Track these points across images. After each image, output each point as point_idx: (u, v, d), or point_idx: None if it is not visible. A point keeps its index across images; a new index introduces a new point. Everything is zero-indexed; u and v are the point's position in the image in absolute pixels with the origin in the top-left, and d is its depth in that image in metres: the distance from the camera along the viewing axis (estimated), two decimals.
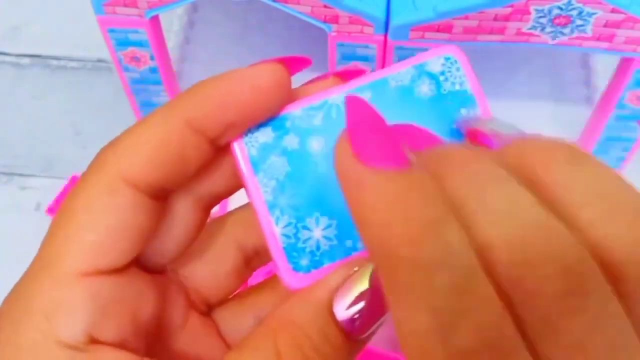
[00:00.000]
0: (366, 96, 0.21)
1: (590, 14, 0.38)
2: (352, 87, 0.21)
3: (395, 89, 0.21)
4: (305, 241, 0.20)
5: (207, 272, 0.23)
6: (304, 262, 0.20)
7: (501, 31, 0.40)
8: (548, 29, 0.39)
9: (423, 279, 0.15)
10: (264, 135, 0.20)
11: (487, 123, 0.19)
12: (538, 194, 0.16)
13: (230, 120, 0.20)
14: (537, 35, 0.40)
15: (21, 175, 0.55)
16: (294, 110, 0.21)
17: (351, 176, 0.16)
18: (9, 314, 0.19)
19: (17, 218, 0.52)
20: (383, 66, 0.44)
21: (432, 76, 0.21)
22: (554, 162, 0.16)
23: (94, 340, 0.18)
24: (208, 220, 0.23)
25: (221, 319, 0.23)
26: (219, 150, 0.21)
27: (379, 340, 0.33)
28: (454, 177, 0.16)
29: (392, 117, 0.20)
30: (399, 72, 0.21)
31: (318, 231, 0.20)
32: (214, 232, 0.23)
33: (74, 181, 0.50)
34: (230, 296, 0.24)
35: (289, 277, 0.20)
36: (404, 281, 0.15)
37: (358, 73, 0.22)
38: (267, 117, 0.21)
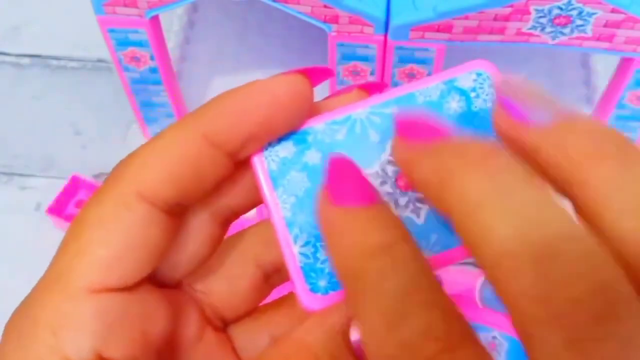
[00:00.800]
0: (391, 111, 0.20)
1: (590, 14, 0.38)
2: (377, 101, 0.21)
3: (423, 105, 0.20)
4: (324, 262, 0.19)
5: (224, 288, 0.22)
6: (322, 283, 0.19)
7: (501, 31, 0.40)
8: (548, 29, 0.39)
9: (374, 285, 0.16)
10: (285, 149, 0.20)
11: (524, 93, 0.18)
12: (570, 191, 0.15)
13: (248, 134, 0.19)
14: (537, 35, 0.40)
15: (21, 175, 0.55)
16: (317, 125, 0.20)
17: (326, 216, 0.17)
18: (16, 326, 0.18)
19: (17, 218, 0.52)
20: (383, 66, 0.44)
21: (462, 92, 0.20)
22: (602, 158, 0.15)
23: (101, 358, 0.18)
24: (227, 235, 0.22)
25: (237, 336, 0.23)
26: (238, 164, 0.20)
27: None
28: (470, 175, 0.16)
29: None
30: (427, 87, 0.20)
31: None
32: (233, 248, 0.22)
33: (74, 181, 0.50)
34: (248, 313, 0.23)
35: (306, 298, 0.19)
36: (360, 289, 0.16)
37: (382, 86, 0.21)
38: (288, 131, 0.20)
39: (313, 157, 0.20)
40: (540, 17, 0.39)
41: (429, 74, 0.44)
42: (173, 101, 0.49)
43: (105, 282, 0.18)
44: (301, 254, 0.19)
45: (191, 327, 0.21)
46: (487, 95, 0.20)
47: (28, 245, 0.51)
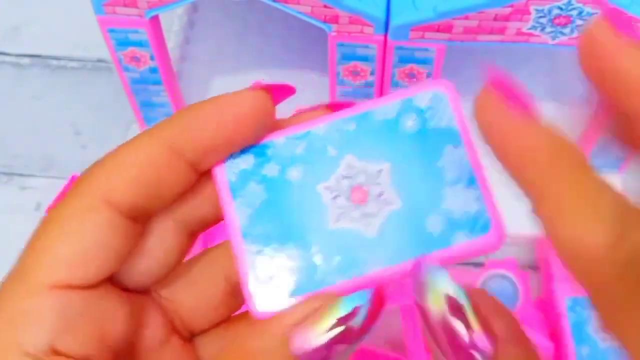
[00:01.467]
0: (350, 128, 0.21)
1: (590, 14, 0.38)
2: (337, 117, 0.21)
3: (380, 122, 0.21)
4: (274, 270, 0.19)
5: (191, 299, 0.22)
6: (267, 287, 0.19)
7: (501, 31, 0.40)
8: (548, 29, 0.39)
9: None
10: (245, 161, 0.20)
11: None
12: None
13: (210, 145, 0.20)
14: (537, 35, 0.40)
15: (21, 175, 0.55)
16: (277, 139, 0.21)
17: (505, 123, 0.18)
18: None
19: (17, 218, 0.52)
20: (383, 66, 0.44)
21: (418, 111, 0.21)
22: None
23: (56, 352, 0.18)
24: (201, 248, 0.23)
25: (204, 346, 0.23)
26: (203, 176, 0.21)
27: (378, 340, 0.33)
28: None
29: (374, 150, 0.20)
30: (386, 105, 0.21)
31: (289, 262, 0.19)
32: (202, 260, 0.23)
33: (74, 181, 0.50)
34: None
35: (254, 301, 0.19)
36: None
37: (348, 105, 0.22)
38: (249, 144, 0.21)
39: (272, 169, 0.20)
40: (540, 17, 0.39)
41: (429, 74, 0.44)
42: (173, 101, 0.49)
43: (66, 279, 0.19)
44: (252, 260, 0.19)
45: (155, 333, 0.21)
46: (441, 114, 0.21)
47: None
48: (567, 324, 0.44)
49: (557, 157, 0.18)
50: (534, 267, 0.50)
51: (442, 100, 0.21)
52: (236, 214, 0.20)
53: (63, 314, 0.19)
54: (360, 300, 0.18)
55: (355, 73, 0.45)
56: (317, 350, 0.18)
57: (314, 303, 0.18)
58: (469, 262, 0.50)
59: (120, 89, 0.49)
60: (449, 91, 0.21)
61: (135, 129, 0.54)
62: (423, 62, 0.43)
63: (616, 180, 0.51)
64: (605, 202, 0.17)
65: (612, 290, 0.17)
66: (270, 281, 0.19)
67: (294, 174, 0.20)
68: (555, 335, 0.45)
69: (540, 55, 0.57)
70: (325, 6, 0.40)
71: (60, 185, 0.50)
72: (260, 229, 0.19)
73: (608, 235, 0.16)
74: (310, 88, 0.56)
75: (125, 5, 0.42)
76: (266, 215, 0.20)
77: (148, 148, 0.20)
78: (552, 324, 0.45)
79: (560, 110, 0.55)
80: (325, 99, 0.49)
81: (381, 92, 0.46)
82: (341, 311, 0.18)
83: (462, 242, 0.20)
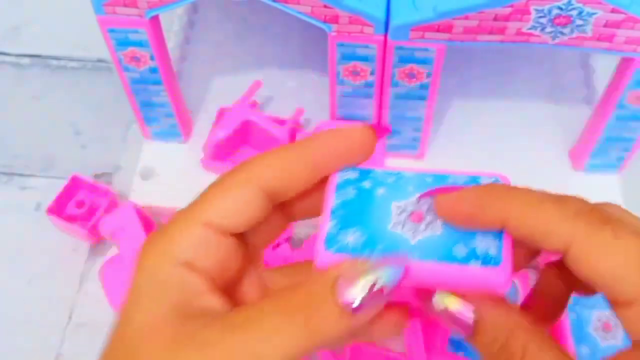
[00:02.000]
0: (428, 180, 0.29)
1: (590, 14, 0.38)
2: (422, 171, 0.30)
3: (449, 182, 0.29)
4: (341, 238, 0.28)
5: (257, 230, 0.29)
6: (334, 247, 0.27)
7: (501, 31, 0.40)
8: (548, 29, 0.39)
9: None
10: (351, 175, 0.30)
11: None
12: None
13: (331, 160, 0.29)
14: (537, 35, 0.40)
15: (21, 175, 0.55)
16: (378, 169, 0.30)
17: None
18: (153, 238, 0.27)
19: (17, 218, 0.52)
20: (383, 66, 0.44)
21: (478, 183, 0.29)
22: None
23: (193, 267, 0.26)
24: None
25: (271, 279, 0.30)
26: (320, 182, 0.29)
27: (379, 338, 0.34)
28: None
29: None
30: (458, 176, 0.29)
31: (352, 238, 0.28)
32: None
33: (74, 181, 0.50)
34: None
35: (320, 255, 0.27)
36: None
37: (387, 129, 0.32)
38: (356, 164, 0.30)
39: (366, 184, 0.30)
40: (540, 17, 0.39)
41: (428, 74, 0.44)
42: (173, 101, 0.49)
43: (216, 224, 0.27)
44: (330, 229, 0.28)
45: (246, 270, 0.29)
46: None
47: (28, 245, 0.51)
48: (566, 323, 0.44)
49: None
50: (534, 267, 0.50)
51: (497, 182, 0.29)
52: (332, 201, 0.29)
53: (206, 244, 0.26)
54: (394, 272, 0.25)
55: (355, 73, 0.45)
56: (359, 301, 0.24)
57: (362, 265, 0.25)
58: None
59: (120, 89, 0.49)
60: (505, 180, 0.28)
61: (135, 129, 0.54)
62: (423, 62, 0.43)
63: (616, 180, 0.51)
64: None
65: None
66: (336, 241, 0.28)
67: (380, 191, 0.29)
68: (554, 335, 0.45)
69: (540, 55, 0.57)
70: (325, 6, 0.40)
71: (60, 185, 0.50)
72: (342, 213, 0.28)
73: None
74: (310, 88, 0.56)
75: (125, 5, 0.42)
76: (350, 207, 0.29)
77: (292, 161, 0.28)
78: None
79: (560, 110, 0.55)
80: (325, 99, 0.49)
81: (381, 92, 0.46)
82: (378, 275, 0.25)
83: (475, 266, 0.26)
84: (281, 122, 0.50)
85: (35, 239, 0.51)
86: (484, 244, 0.27)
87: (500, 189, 0.26)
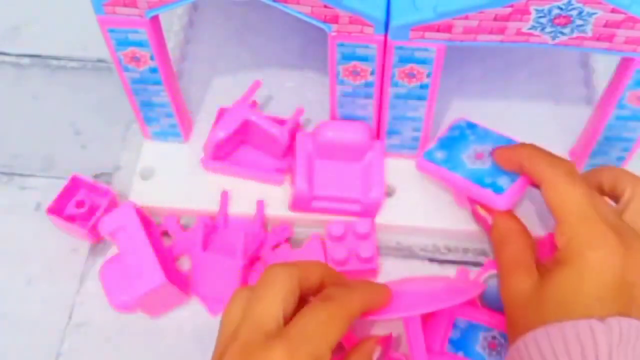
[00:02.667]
0: (498, 139, 0.48)
1: (590, 14, 0.38)
2: (501, 134, 0.48)
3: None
4: (434, 153, 0.48)
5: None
6: (428, 157, 0.48)
7: (501, 31, 0.40)
8: (548, 29, 0.39)
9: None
10: (463, 123, 0.49)
11: None
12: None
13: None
14: (537, 35, 0.40)
15: (21, 175, 0.55)
16: (479, 125, 0.49)
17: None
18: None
19: (17, 218, 0.52)
20: (383, 66, 0.44)
21: None
22: None
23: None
24: None
25: None
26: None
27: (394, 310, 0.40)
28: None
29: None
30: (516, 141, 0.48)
31: (440, 154, 0.48)
32: None
33: (74, 181, 0.50)
34: None
35: (419, 159, 0.49)
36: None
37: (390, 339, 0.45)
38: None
39: (467, 131, 0.49)
40: (540, 17, 0.39)
41: (428, 74, 0.44)
42: (173, 101, 0.49)
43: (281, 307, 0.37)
44: (433, 146, 0.49)
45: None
46: None
47: (28, 245, 0.51)
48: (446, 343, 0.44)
49: None
50: None
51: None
52: (445, 132, 0.50)
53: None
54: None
55: (355, 73, 0.45)
56: None
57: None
58: (469, 262, 0.50)
59: (120, 89, 0.49)
60: None
61: (135, 129, 0.54)
62: (423, 62, 0.43)
63: None
64: None
65: None
66: (429, 156, 0.48)
67: (471, 137, 0.49)
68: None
69: (540, 55, 0.57)
70: (325, 6, 0.40)
71: (60, 185, 0.50)
72: (444, 141, 0.49)
73: None
74: (310, 88, 0.56)
75: (125, 5, 0.42)
76: (450, 139, 0.49)
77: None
78: None
79: (560, 110, 0.55)
80: (326, 99, 0.49)
81: (381, 92, 0.46)
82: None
83: (488, 190, 0.45)
84: (281, 122, 0.50)
85: (35, 239, 0.51)
86: (502, 180, 0.45)
87: (519, 148, 0.44)
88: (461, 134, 0.48)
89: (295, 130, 0.50)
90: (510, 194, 0.44)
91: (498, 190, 0.44)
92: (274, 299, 0.37)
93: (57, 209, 0.49)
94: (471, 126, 0.49)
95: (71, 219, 0.49)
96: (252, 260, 0.48)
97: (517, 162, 0.43)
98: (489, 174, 0.45)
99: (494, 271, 0.47)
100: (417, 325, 0.41)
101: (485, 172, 0.46)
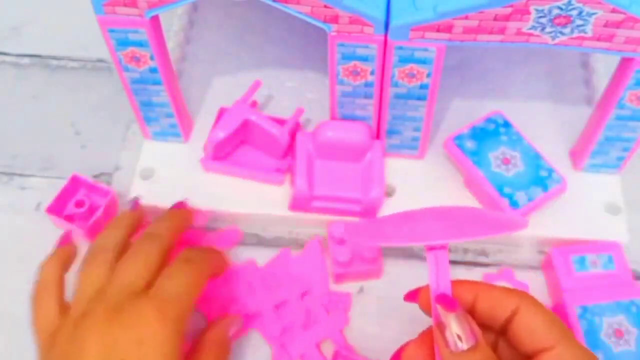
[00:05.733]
0: (526, 147, 0.49)
1: (590, 14, 0.38)
2: (529, 144, 0.50)
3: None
4: (465, 143, 0.49)
5: None
6: (457, 144, 0.49)
7: (501, 31, 0.40)
8: (548, 29, 0.39)
9: None
10: (500, 119, 0.50)
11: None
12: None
13: None
14: (537, 35, 0.40)
15: (21, 175, 0.55)
16: (514, 126, 0.50)
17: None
18: None
19: (17, 218, 0.52)
20: (383, 66, 0.44)
21: None
22: None
23: None
24: None
25: None
26: None
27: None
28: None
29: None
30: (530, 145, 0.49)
31: (469, 144, 0.49)
32: None
33: (73, 181, 0.50)
34: None
35: (448, 143, 0.49)
36: None
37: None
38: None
39: (501, 129, 0.50)
40: (540, 17, 0.39)
41: (428, 74, 0.44)
42: (173, 101, 0.49)
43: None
44: (463, 133, 0.49)
45: None
46: None
47: (28, 245, 0.51)
48: (579, 332, 0.44)
49: None
50: (535, 267, 0.50)
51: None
52: (479, 123, 0.50)
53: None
54: None
55: (355, 73, 0.45)
56: None
57: None
58: (469, 262, 0.50)
59: (120, 89, 0.49)
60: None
61: (135, 129, 0.54)
62: (423, 62, 0.43)
63: (616, 180, 0.51)
64: None
65: None
66: (457, 141, 0.49)
67: (503, 137, 0.49)
68: None
69: (540, 55, 0.57)
70: (325, 6, 0.40)
71: (60, 185, 0.50)
72: (477, 131, 0.50)
73: None
74: (310, 88, 0.56)
75: (125, 5, 0.42)
76: (483, 132, 0.50)
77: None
78: None
79: (560, 110, 0.55)
80: (326, 99, 0.49)
81: (381, 92, 0.46)
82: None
83: (505, 200, 0.47)
84: (281, 122, 0.50)
85: (35, 239, 0.51)
86: (520, 195, 0.46)
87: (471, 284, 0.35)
88: (495, 130, 0.49)
89: (295, 130, 0.50)
90: (523, 212, 0.46)
91: (514, 204, 0.46)
92: (142, 264, 0.40)
93: (56, 209, 0.49)
94: (507, 124, 0.49)
95: (70, 218, 0.49)
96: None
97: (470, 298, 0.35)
98: (510, 184, 0.47)
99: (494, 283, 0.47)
100: (445, 255, 0.35)
101: (506, 181, 0.47)
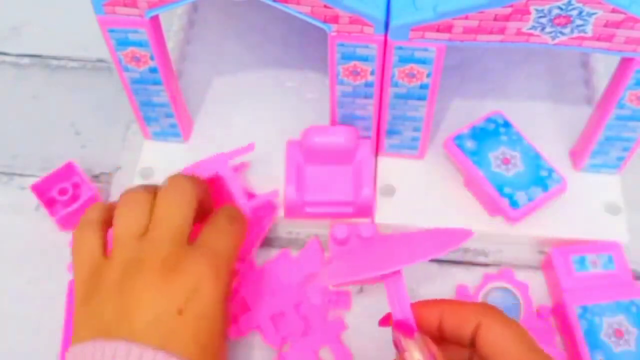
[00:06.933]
0: (527, 147, 0.49)
1: (590, 14, 0.38)
2: (529, 144, 0.50)
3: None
4: (465, 142, 0.48)
5: None
6: (457, 143, 0.48)
7: (501, 31, 0.40)
8: (548, 29, 0.39)
9: None
10: (500, 120, 0.50)
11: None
12: None
13: None
14: (537, 35, 0.40)
15: (21, 175, 0.55)
16: (514, 127, 0.50)
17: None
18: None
19: (17, 218, 0.52)
20: (383, 66, 0.44)
21: None
22: None
23: None
24: None
25: None
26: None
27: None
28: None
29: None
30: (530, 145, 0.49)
31: (469, 144, 0.48)
32: None
33: (67, 168, 0.50)
34: None
35: (448, 142, 0.49)
36: None
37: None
38: None
39: (501, 129, 0.49)
40: (540, 17, 0.39)
41: (428, 74, 0.44)
42: (173, 101, 0.49)
43: None
44: (464, 133, 0.49)
45: None
46: None
47: (28, 245, 0.51)
48: (579, 332, 0.44)
49: None
50: (535, 267, 0.50)
51: None
52: (479, 122, 0.50)
53: None
54: None
55: (355, 73, 0.45)
56: None
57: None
58: (469, 262, 0.50)
59: (120, 89, 0.49)
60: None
61: (135, 129, 0.54)
62: (423, 62, 0.43)
63: (616, 180, 0.51)
64: None
65: None
66: (458, 141, 0.49)
67: (504, 137, 0.49)
68: (569, 344, 0.45)
69: (540, 55, 0.57)
70: (325, 6, 0.40)
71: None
72: (476, 131, 0.49)
73: None
74: (310, 88, 0.56)
75: (125, 5, 0.42)
76: (483, 131, 0.49)
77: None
78: (565, 334, 0.46)
79: (560, 110, 0.55)
80: (326, 99, 0.49)
81: (381, 92, 0.46)
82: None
83: (505, 200, 0.47)
84: (250, 196, 0.48)
85: (35, 239, 0.51)
86: (520, 195, 0.46)
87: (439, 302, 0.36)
88: (495, 130, 0.49)
89: (260, 208, 0.48)
90: (523, 212, 0.46)
91: (514, 204, 0.46)
92: (188, 206, 0.39)
93: (40, 188, 0.50)
94: (507, 124, 0.49)
95: (50, 203, 0.50)
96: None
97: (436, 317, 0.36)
98: (510, 184, 0.47)
99: (493, 284, 0.47)
100: (399, 281, 0.36)
101: (506, 181, 0.47)
